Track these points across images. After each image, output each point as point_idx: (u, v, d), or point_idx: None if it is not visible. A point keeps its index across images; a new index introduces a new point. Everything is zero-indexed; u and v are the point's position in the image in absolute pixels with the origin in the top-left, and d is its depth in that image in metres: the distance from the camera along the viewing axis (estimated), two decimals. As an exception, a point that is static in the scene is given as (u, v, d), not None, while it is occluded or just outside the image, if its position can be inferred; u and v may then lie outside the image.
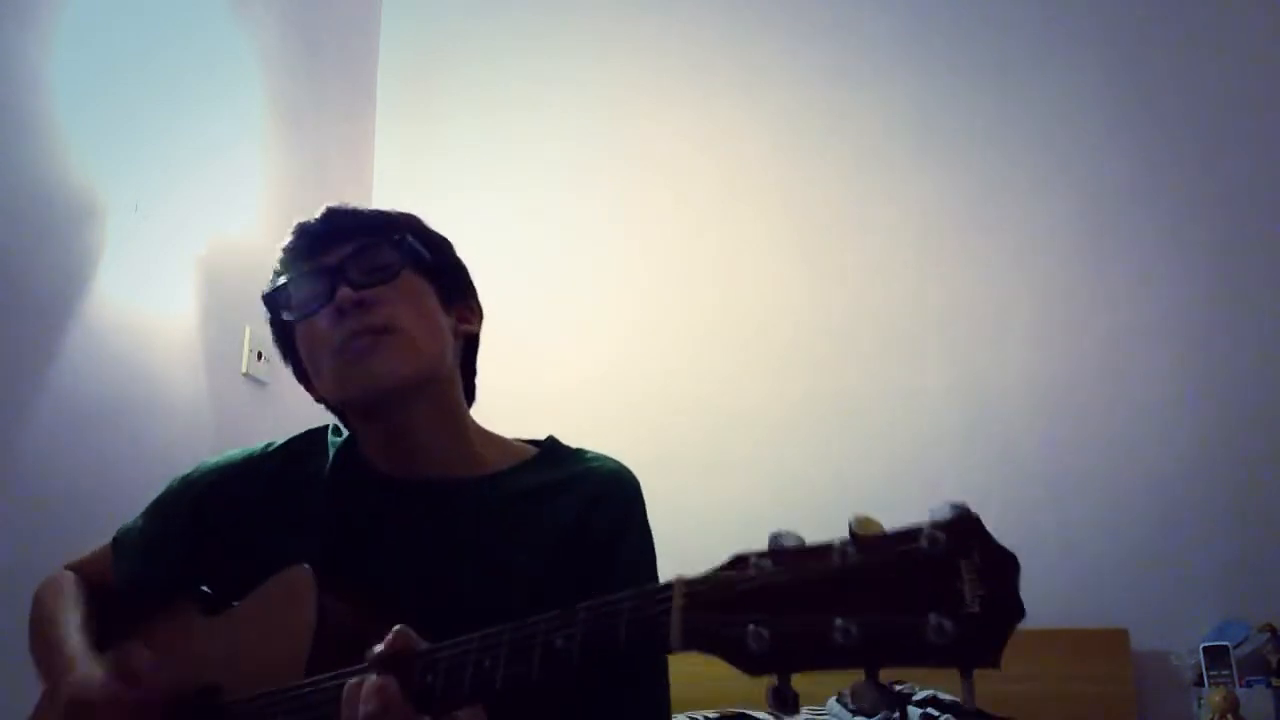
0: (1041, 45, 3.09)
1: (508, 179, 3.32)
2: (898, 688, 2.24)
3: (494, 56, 3.46)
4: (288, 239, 1.19)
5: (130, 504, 1.32)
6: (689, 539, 2.37)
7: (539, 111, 3.38)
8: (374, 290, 1.12)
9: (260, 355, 2.66)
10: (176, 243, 2.48)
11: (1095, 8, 3.09)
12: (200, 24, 2.62)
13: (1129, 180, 2.95)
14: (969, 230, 3.03)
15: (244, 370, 2.65)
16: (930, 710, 2.22)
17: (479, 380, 1.27)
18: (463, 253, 1.24)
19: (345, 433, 1.23)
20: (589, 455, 1.21)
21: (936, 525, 0.61)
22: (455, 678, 0.80)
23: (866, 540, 0.63)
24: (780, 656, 0.62)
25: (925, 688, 2.30)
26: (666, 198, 3.24)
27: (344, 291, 1.11)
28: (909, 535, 0.62)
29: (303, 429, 1.28)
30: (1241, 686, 2.42)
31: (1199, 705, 2.47)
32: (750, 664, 0.63)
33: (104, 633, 1.21)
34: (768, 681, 0.64)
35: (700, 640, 0.66)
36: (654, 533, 1.18)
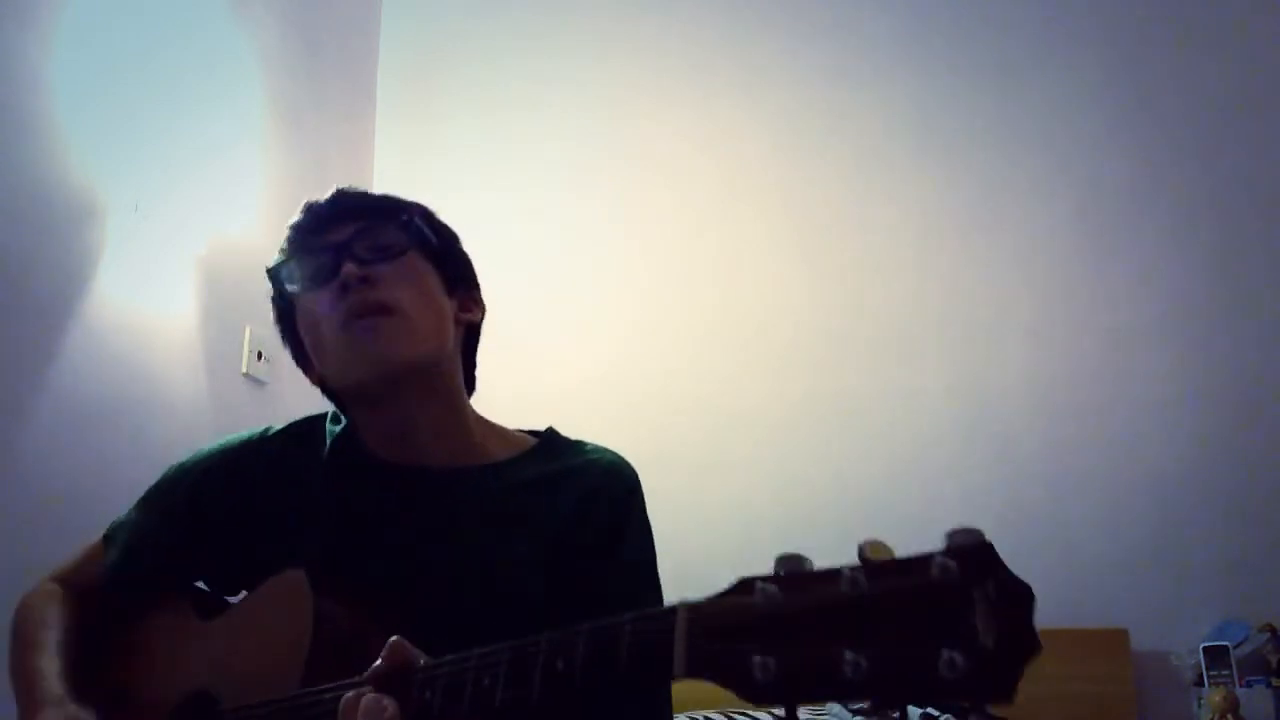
0: (1041, 45, 3.08)
1: (508, 179, 3.32)
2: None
3: (494, 56, 3.46)
4: (296, 217, 1.20)
5: (130, 504, 1.31)
6: (689, 539, 2.38)
7: (539, 111, 3.38)
8: (378, 268, 1.12)
9: (260, 355, 2.66)
10: (176, 243, 2.48)
11: (1095, 8, 3.09)
12: (200, 24, 2.62)
13: (1129, 180, 2.95)
14: (969, 230, 3.03)
15: (244, 370, 2.65)
16: (930, 710, 2.22)
17: (480, 378, 1.27)
18: (463, 252, 1.24)
19: (343, 421, 1.23)
20: (589, 447, 1.21)
21: (949, 553, 0.59)
22: (454, 696, 0.79)
23: (876, 567, 0.61)
24: (787, 688, 0.60)
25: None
26: (666, 198, 3.24)
27: (349, 267, 1.11)
28: (920, 563, 0.60)
29: (302, 426, 1.27)
30: (1241, 686, 2.42)
31: (1199, 705, 2.47)
32: (756, 694, 0.61)
33: (91, 638, 1.20)
34: None
35: (704, 668, 0.64)
36: (654, 533, 1.18)
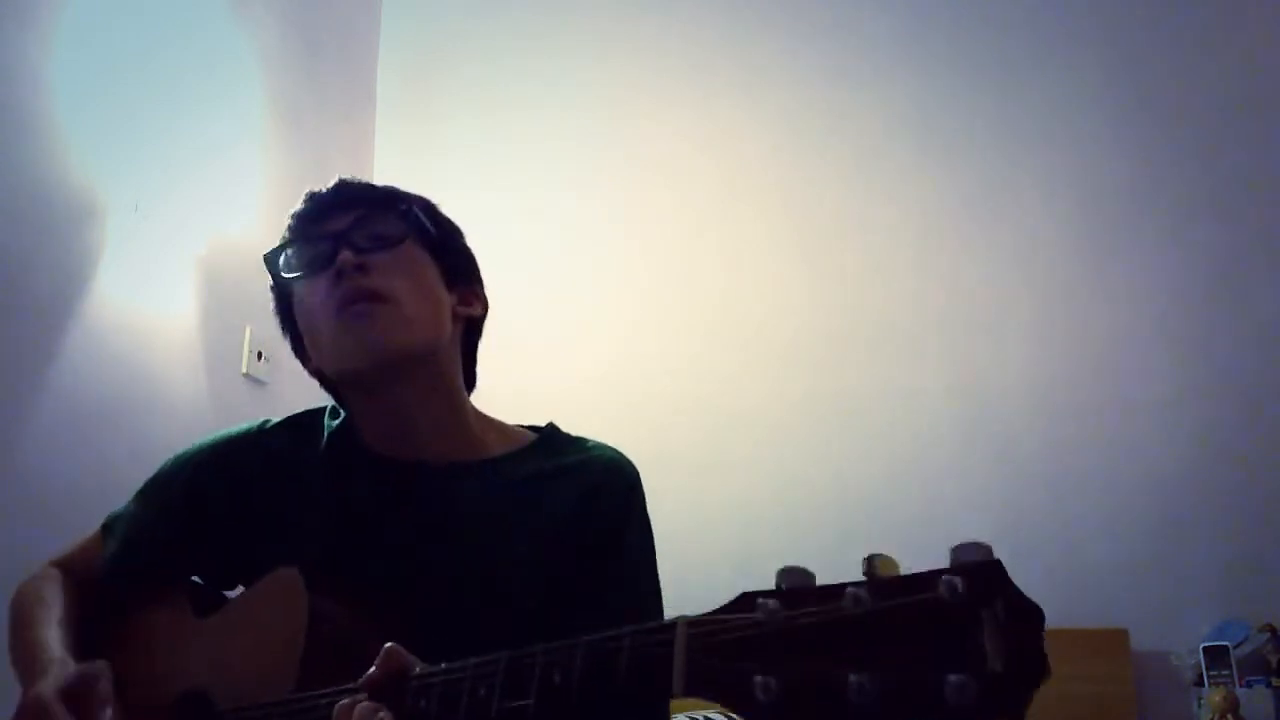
0: (1041, 45, 3.08)
1: (508, 179, 3.32)
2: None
3: (494, 56, 3.46)
4: (298, 205, 1.20)
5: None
6: (689, 539, 2.38)
7: (539, 111, 3.38)
8: (374, 256, 1.12)
9: (260, 355, 2.66)
10: (176, 243, 2.48)
11: (1095, 8, 3.09)
12: (200, 24, 2.62)
13: (1129, 180, 2.95)
14: (969, 230, 3.03)
15: (244, 370, 2.65)
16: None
17: (480, 377, 1.26)
18: (464, 251, 1.23)
19: (342, 415, 1.22)
20: (589, 443, 1.21)
21: (956, 571, 0.57)
22: (449, 705, 0.78)
23: (881, 584, 0.59)
24: (789, 710, 0.59)
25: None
26: (666, 198, 3.24)
27: (345, 254, 1.11)
28: (927, 581, 0.58)
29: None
30: (1241, 686, 2.42)
31: (1199, 705, 2.47)
32: (757, 714, 0.59)
33: (89, 630, 1.19)
34: None
35: (703, 686, 0.62)
36: (654, 533, 1.18)
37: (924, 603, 0.57)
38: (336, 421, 1.22)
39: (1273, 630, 2.48)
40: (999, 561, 0.57)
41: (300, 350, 1.22)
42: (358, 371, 1.14)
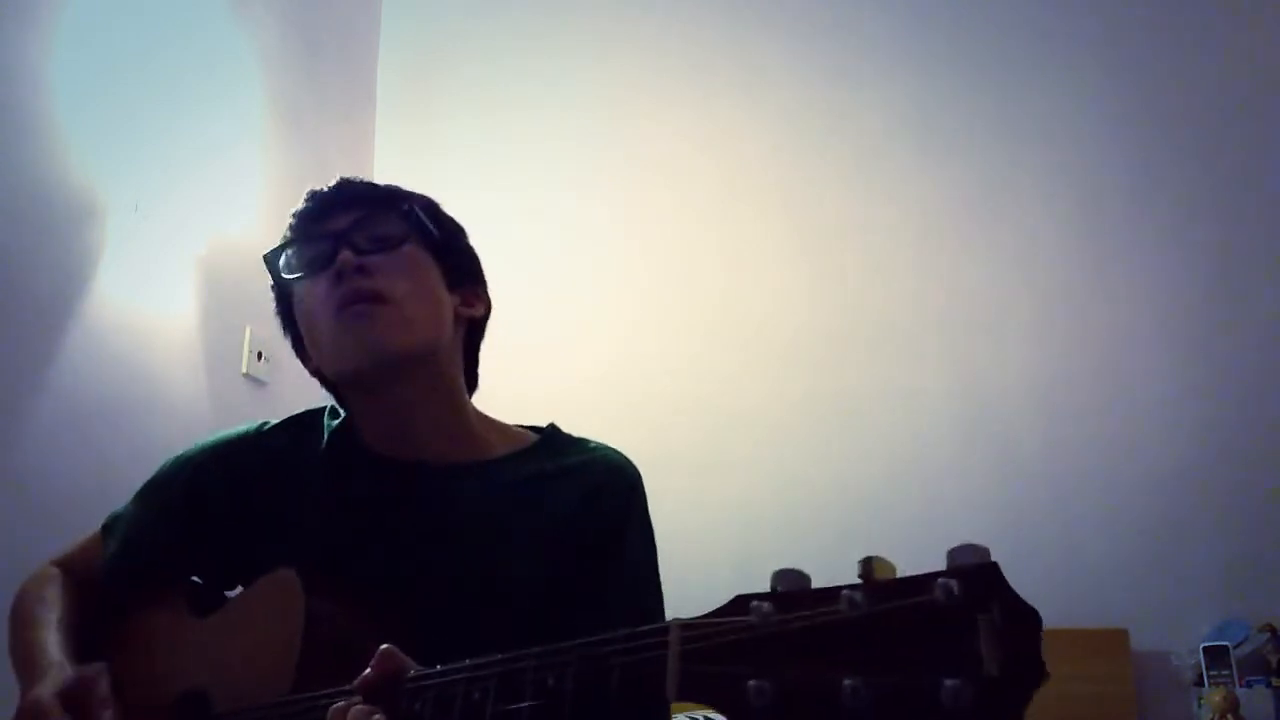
0: (1041, 45, 3.09)
1: (508, 179, 3.32)
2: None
3: (494, 56, 3.46)
4: (299, 204, 1.19)
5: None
6: (689, 539, 2.38)
7: (539, 111, 3.38)
8: (374, 257, 1.12)
9: (260, 355, 2.66)
10: (176, 243, 2.48)
11: (1095, 8, 3.09)
12: (200, 24, 2.62)
13: (1129, 180, 2.95)
14: (969, 230, 3.03)
15: (244, 370, 2.65)
16: None
17: (481, 377, 1.26)
18: (465, 251, 1.23)
19: (342, 415, 1.22)
20: (591, 444, 1.20)
21: (952, 574, 0.56)
22: (444, 708, 0.78)
23: (876, 587, 0.58)
24: (784, 714, 0.58)
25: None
26: (667, 198, 3.24)
27: (345, 255, 1.11)
28: (922, 584, 0.57)
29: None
30: (1241, 686, 2.42)
31: (1199, 705, 2.47)
32: (751, 719, 0.59)
33: (89, 630, 1.20)
34: None
35: (697, 691, 0.62)
36: (654, 533, 1.18)
37: (920, 606, 0.56)
38: (337, 421, 1.21)
39: (1273, 630, 2.48)
40: (996, 564, 0.56)
41: (301, 350, 1.22)
42: (357, 372, 1.13)
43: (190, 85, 2.52)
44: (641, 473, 1.19)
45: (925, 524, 2.74)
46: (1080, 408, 2.84)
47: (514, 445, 1.20)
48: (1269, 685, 2.43)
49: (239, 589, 1.17)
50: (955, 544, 0.58)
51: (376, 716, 0.80)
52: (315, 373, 1.21)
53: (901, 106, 3.13)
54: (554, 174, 3.33)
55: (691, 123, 3.27)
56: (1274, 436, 2.69)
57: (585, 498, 1.13)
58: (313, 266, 1.14)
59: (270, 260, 1.19)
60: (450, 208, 1.25)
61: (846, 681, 0.56)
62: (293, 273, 1.16)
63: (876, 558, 0.60)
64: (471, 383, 1.24)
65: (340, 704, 0.83)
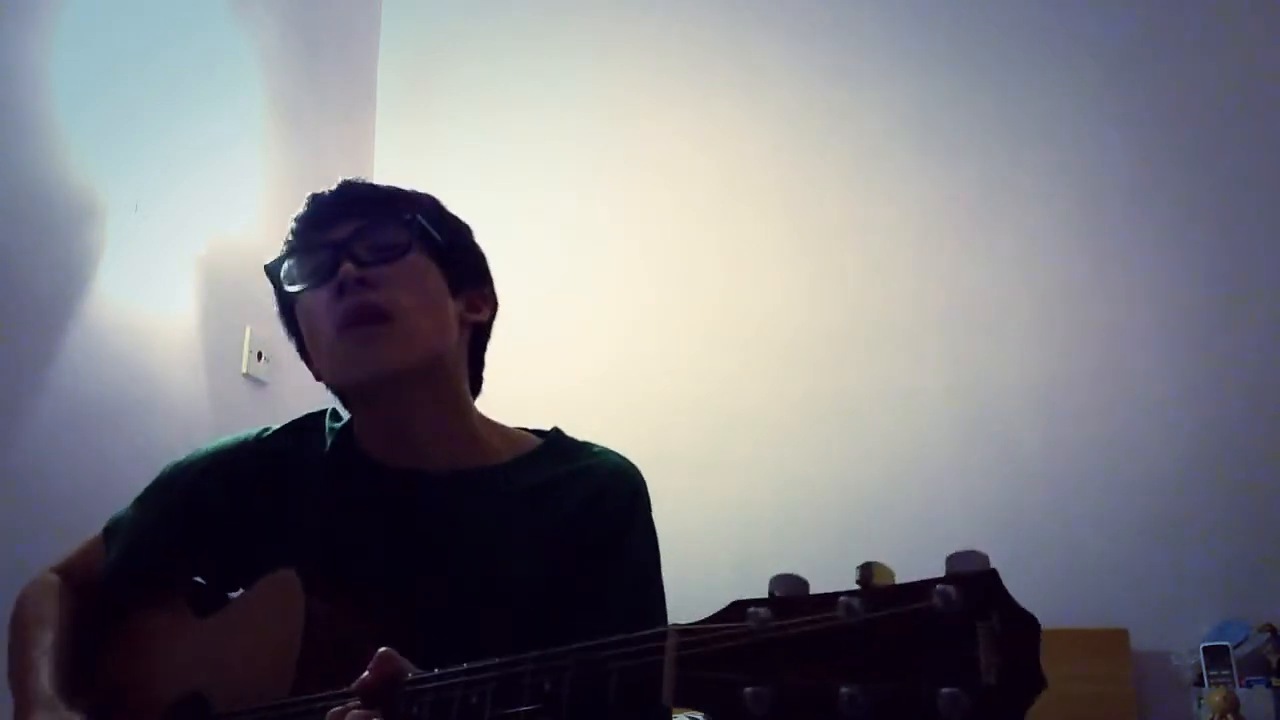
0: (1041, 45, 3.09)
1: (508, 179, 3.32)
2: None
3: (494, 56, 3.46)
4: (300, 208, 1.18)
5: (127, 505, 1.31)
6: (689, 539, 2.38)
7: (539, 111, 3.38)
8: (378, 269, 1.10)
9: (260, 355, 2.66)
10: (176, 243, 2.48)
11: (1095, 8, 3.09)
12: (200, 24, 2.62)
13: (1129, 180, 2.95)
14: (969, 230, 3.03)
15: (244, 370, 2.65)
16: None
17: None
18: (465, 251, 1.22)
19: (344, 417, 1.21)
20: (595, 449, 1.19)
21: (951, 580, 0.56)
22: (441, 712, 0.78)
23: (874, 593, 0.58)
24: None
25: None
26: (667, 198, 3.24)
27: (347, 267, 1.09)
28: (921, 590, 0.56)
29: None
30: (1241, 686, 2.42)
31: (1199, 705, 2.47)
32: None
33: (89, 638, 1.20)
34: None
35: (694, 697, 0.61)
36: (658, 538, 1.17)
37: (918, 613, 0.56)
38: (339, 425, 1.21)
39: (1273, 630, 2.48)
40: (995, 571, 0.56)
41: (305, 354, 1.21)
42: (359, 385, 1.13)
43: (190, 85, 2.52)
44: (643, 474, 1.19)
45: (925, 524, 2.74)
46: (1080, 408, 2.83)
47: (517, 449, 1.19)
48: (1269, 685, 2.43)
49: (241, 590, 1.17)
50: (955, 544, 0.58)
51: (373, 714, 0.80)
52: (319, 376, 1.21)
53: (901, 106, 3.13)
54: (554, 174, 3.32)
55: (691, 123, 3.27)
56: (1274, 436, 2.69)
57: (588, 501, 1.12)
58: (314, 278, 1.12)
59: (271, 271, 1.17)
60: (450, 208, 1.24)
61: (843, 689, 0.56)
62: (294, 284, 1.15)
63: (875, 564, 0.59)
64: (476, 386, 1.22)
65: (338, 709, 0.83)
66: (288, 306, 1.20)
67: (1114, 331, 2.87)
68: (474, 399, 1.22)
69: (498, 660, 0.76)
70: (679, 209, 3.22)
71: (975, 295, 2.98)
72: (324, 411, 1.24)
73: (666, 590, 1.15)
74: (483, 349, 1.23)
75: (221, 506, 1.19)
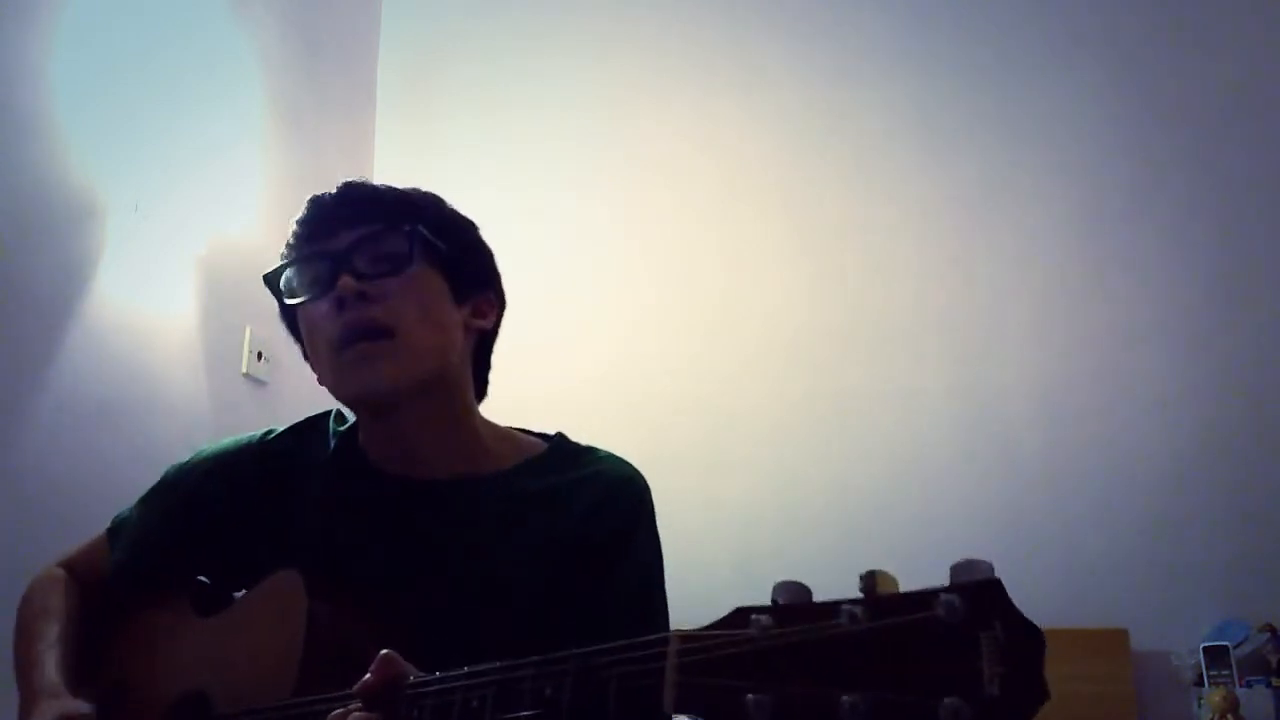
0: (1041, 45, 3.09)
1: (508, 179, 3.32)
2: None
3: (494, 56, 3.46)
4: (301, 210, 1.15)
5: (131, 503, 1.31)
6: (689, 539, 2.38)
7: (539, 111, 3.38)
8: (378, 283, 1.08)
9: (260, 355, 2.66)
10: (176, 243, 2.48)
11: (1095, 7, 3.09)
12: (200, 24, 2.62)
13: (1129, 180, 2.95)
14: (969, 230, 3.03)
15: (244, 370, 2.65)
16: None
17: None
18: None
19: (349, 419, 1.20)
20: (600, 454, 1.18)
21: (955, 590, 0.55)
22: (442, 715, 0.78)
23: (878, 602, 0.58)
24: None
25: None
26: (667, 198, 3.24)
27: (345, 280, 1.06)
28: (924, 600, 0.56)
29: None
30: (1241, 686, 2.42)
31: (1199, 705, 2.47)
32: None
33: (93, 632, 1.20)
34: None
35: (695, 704, 0.61)
36: (661, 544, 1.16)
37: (921, 622, 0.55)
38: (343, 428, 1.21)
39: (1273, 630, 2.48)
40: (999, 581, 0.55)
41: (309, 357, 1.21)
42: (359, 401, 1.13)
43: (190, 85, 2.52)
44: (641, 472, 1.18)
45: (925, 524, 2.74)
46: (1080, 408, 2.84)
47: (521, 455, 1.18)
48: (1269, 685, 2.43)
49: (243, 590, 1.17)
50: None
51: (374, 717, 0.80)
52: (323, 381, 1.20)
53: (901, 106, 3.13)
54: (554, 174, 3.32)
55: (691, 123, 3.27)
56: (1274, 436, 2.69)
57: (594, 507, 1.11)
58: (313, 289, 1.10)
59: (271, 281, 1.15)
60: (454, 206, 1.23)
61: (845, 697, 0.56)
62: (294, 296, 1.13)
63: (879, 571, 0.59)
64: (481, 390, 1.21)
65: (339, 711, 0.83)
66: (290, 312, 1.19)
67: (1114, 331, 2.87)
68: (479, 402, 1.21)
69: (498, 664, 0.76)
70: (679, 209, 3.23)
71: (975, 295, 2.98)
72: (328, 413, 1.24)
73: (666, 590, 1.15)
74: (489, 352, 1.22)
75: (224, 508, 1.19)
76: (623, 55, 3.39)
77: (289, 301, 1.14)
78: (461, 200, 1.23)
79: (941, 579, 0.57)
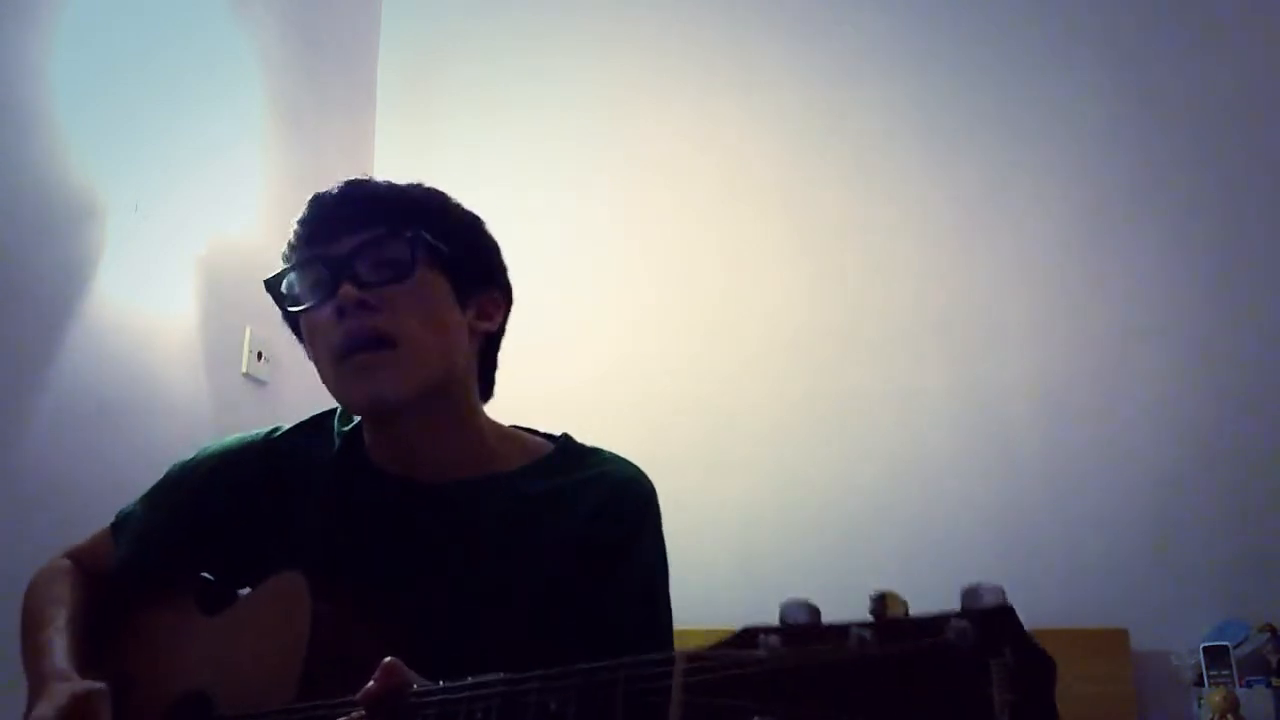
0: (1041, 45, 3.08)
1: (508, 179, 3.32)
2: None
3: (494, 56, 3.46)
4: (302, 210, 1.14)
5: (133, 501, 1.31)
6: (689, 539, 2.38)
7: (539, 111, 3.38)
8: (380, 291, 1.06)
9: (260, 355, 2.66)
10: (176, 243, 2.48)
11: (1096, 8, 3.09)
12: (200, 24, 2.62)
13: (1129, 180, 2.95)
14: (969, 230, 3.03)
15: (244, 370, 2.65)
16: None
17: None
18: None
19: (353, 418, 1.20)
20: (606, 456, 1.18)
21: (966, 615, 0.55)
22: None
23: (887, 625, 0.57)
24: None
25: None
26: (667, 198, 3.24)
27: (346, 289, 1.05)
28: (935, 624, 0.55)
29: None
30: (1241, 686, 2.42)
31: (1199, 705, 2.47)
32: None
33: (98, 625, 1.21)
34: None
35: None
36: (666, 547, 1.15)
37: (931, 648, 0.55)
38: (347, 428, 1.20)
39: (1273, 630, 2.48)
40: (1011, 608, 0.55)
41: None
42: (360, 410, 1.13)
43: (190, 85, 2.52)
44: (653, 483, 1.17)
45: (925, 524, 2.74)
46: (1080, 408, 2.83)
47: (527, 456, 1.17)
48: (1269, 685, 2.43)
49: (247, 589, 1.17)
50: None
51: None
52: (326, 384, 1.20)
53: (901, 106, 3.13)
54: (554, 174, 3.32)
55: (691, 123, 3.27)
56: (1273, 436, 2.69)
57: (598, 508, 1.11)
58: (314, 295, 1.09)
59: (271, 286, 1.14)
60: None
61: None
62: (295, 303, 1.12)
63: (888, 593, 0.58)
64: (487, 390, 1.20)
65: (342, 717, 0.83)
66: (292, 314, 1.18)
67: (1114, 331, 2.87)
68: (485, 403, 1.20)
69: (502, 676, 0.75)
70: (679, 209, 3.22)
71: (975, 295, 2.98)
72: (332, 411, 1.23)
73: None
74: (495, 352, 1.21)
75: (228, 506, 1.19)
76: (623, 55, 3.39)
77: (290, 309, 1.13)
78: (461, 200, 1.23)
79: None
